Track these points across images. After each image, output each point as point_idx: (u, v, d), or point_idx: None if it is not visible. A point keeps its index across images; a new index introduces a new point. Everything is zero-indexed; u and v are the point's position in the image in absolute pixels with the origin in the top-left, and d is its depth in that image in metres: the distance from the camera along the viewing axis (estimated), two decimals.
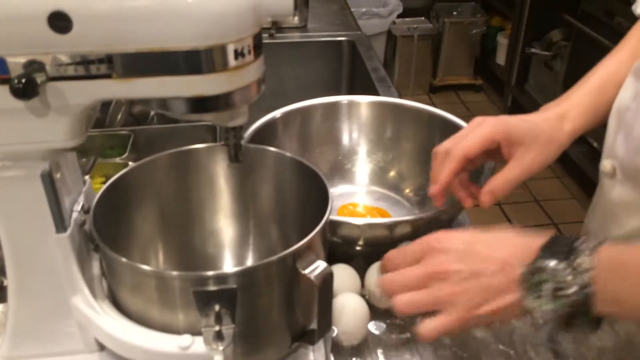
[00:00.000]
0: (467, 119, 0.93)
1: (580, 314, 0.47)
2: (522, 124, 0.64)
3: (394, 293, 0.54)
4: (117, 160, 1.06)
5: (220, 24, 0.46)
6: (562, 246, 0.48)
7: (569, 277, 0.46)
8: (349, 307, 0.71)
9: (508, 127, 0.63)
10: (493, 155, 0.66)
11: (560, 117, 0.66)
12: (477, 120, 0.65)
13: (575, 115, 0.66)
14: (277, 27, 1.64)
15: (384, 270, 0.58)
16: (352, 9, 1.87)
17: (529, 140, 0.63)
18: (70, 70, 0.47)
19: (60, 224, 0.56)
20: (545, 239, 0.50)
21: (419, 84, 3.41)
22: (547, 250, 0.49)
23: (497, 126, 0.63)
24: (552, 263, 0.47)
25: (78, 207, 0.59)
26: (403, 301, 0.54)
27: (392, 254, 0.58)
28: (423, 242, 0.56)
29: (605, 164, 0.67)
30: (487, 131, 0.63)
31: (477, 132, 0.63)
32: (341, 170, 0.99)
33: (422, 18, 3.23)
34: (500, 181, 0.63)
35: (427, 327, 0.53)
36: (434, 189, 0.65)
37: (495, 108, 3.35)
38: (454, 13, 3.33)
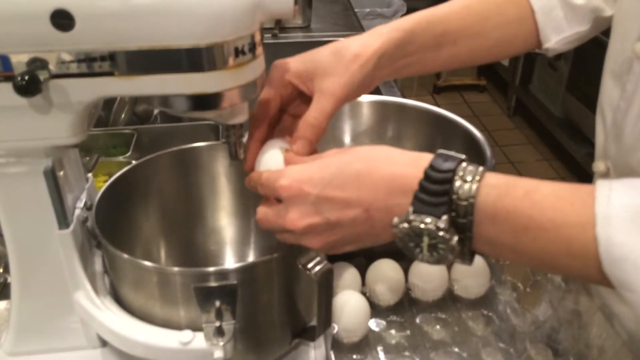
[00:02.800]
0: (470, 119, 0.93)
1: (458, 256, 0.46)
2: (310, 59, 0.58)
3: (264, 227, 0.53)
4: (120, 158, 1.06)
5: (221, 22, 0.47)
6: (437, 186, 0.44)
7: (447, 235, 0.44)
8: (349, 305, 0.72)
9: (288, 64, 0.58)
10: (300, 104, 0.60)
11: (361, 44, 0.59)
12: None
13: (385, 32, 0.60)
14: (280, 27, 1.65)
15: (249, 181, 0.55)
16: (355, 9, 1.88)
17: (321, 69, 0.57)
18: (73, 68, 0.47)
19: (63, 220, 0.56)
20: (419, 177, 0.45)
21: (423, 84, 3.42)
22: (423, 197, 0.44)
23: (281, 70, 0.58)
24: (428, 220, 0.44)
25: (81, 204, 0.60)
26: (277, 236, 0.53)
27: (251, 180, 0.54)
28: (273, 189, 0.50)
29: (599, 165, 0.67)
30: (272, 79, 0.58)
31: (264, 90, 0.57)
32: None
33: None
34: (307, 122, 0.56)
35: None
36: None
37: (499, 108, 3.35)
38: None
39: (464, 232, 0.45)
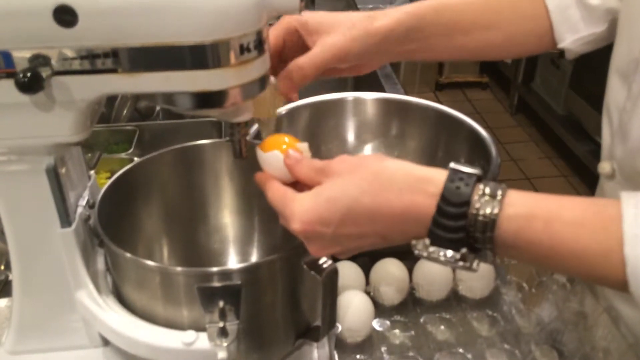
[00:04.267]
0: (473, 116, 0.93)
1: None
2: (321, 15, 0.60)
3: None
4: (123, 155, 1.06)
5: (226, 19, 0.46)
6: (452, 222, 0.43)
7: (467, 264, 0.44)
8: (353, 304, 0.71)
9: (304, 17, 0.59)
10: (300, 53, 0.60)
11: (368, 16, 0.61)
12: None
13: (393, 14, 0.61)
14: None
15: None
16: (359, 7, 1.87)
17: (329, 26, 0.58)
18: (76, 65, 0.47)
19: (65, 218, 0.56)
20: (431, 211, 0.44)
21: (425, 81, 3.41)
22: (439, 233, 0.44)
23: (292, 17, 0.60)
24: (448, 254, 0.44)
25: (83, 202, 0.59)
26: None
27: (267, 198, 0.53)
28: (288, 227, 0.50)
29: (604, 166, 0.67)
30: (283, 20, 0.60)
31: (270, 30, 0.59)
32: None
33: None
34: (296, 64, 0.57)
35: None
36: None
37: (501, 106, 3.34)
38: None
39: (484, 252, 0.45)
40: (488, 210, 0.42)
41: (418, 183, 0.45)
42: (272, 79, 0.56)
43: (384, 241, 0.48)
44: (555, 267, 0.46)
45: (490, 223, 0.42)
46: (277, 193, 0.52)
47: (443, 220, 0.43)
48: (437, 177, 0.45)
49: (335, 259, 0.59)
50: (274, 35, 0.59)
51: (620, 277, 0.41)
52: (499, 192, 0.43)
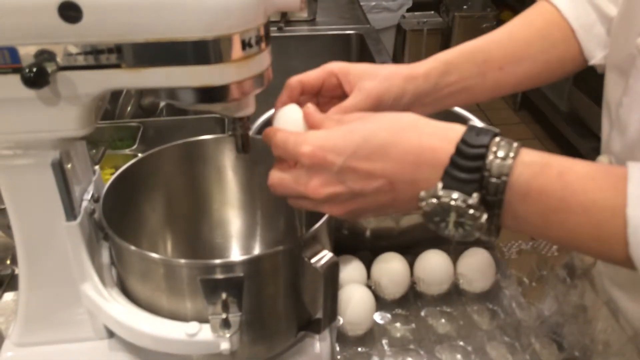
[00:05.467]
0: (476, 114, 0.93)
1: (484, 232, 0.45)
2: (363, 67, 0.61)
3: (278, 192, 0.52)
4: (127, 151, 1.07)
5: (228, 15, 0.47)
6: (470, 162, 0.43)
7: (477, 213, 0.43)
8: (355, 298, 0.72)
9: (348, 64, 0.61)
10: (335, 94, 0.62)
11: (407, 66, 0.63)
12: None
13: (427, 63, 0.63)
14: (286, 20, 1.64)
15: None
16: (361, 3, 1.87)
17: (368, 74, 0.60)
18: (80, 60, 0.48)
19: (70, 212, 0.57)
20: (450, 151, 0.44)
21: None
22: (454, 173, 0.43)
23: (337, 63, 0.61)
24: (457, 197, 0.43)
25: (88, 196, 0.60)
26: (290, 201, 0.53)
27: (266, 137, 0.53)
28: (294, 154, 0.49)
29: (603, 160, 0.67)
30: (326, 66, 0.61)
31: (316, 70, 0.61)
32: None
33: (432, 12, 3.21)
34: (340, 108, 0.58)
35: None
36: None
37: (505, 103, 3.34)
38: (464, 7, 3.31)
39: (493, 209, 0.44)
40: (503, 154, 0.43)
41: (439, 129, 0.46)
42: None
43: (390, 188, 0.47)
44: (559, 227, 0.44)
45: (507, 166, 0.43)
46: (287, 134, 0.51)
47: (460, 160, 0.43)
48: (457, 127, 0.46)
49: (337, 251, 0.60)
50: (315, 75, 0.61)
51: (622, 238, 0.41)
52: (516, 144, 0.44)
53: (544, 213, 0.44)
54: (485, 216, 0.44)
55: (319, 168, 0.48)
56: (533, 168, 0.43)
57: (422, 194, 0.45)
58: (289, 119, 0.54)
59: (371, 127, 0.47)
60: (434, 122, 0.47)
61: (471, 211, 0.43)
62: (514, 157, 0.43)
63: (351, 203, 0.49)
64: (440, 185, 0.44)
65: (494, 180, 0.43)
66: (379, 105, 0.59)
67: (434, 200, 0.44)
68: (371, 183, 0.47)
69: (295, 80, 0.60)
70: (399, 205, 0.48)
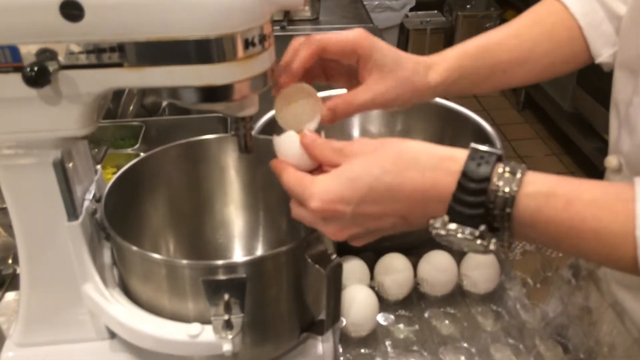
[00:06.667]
0: (480, 113, 0.92)
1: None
2: (389, 51, 0.60)
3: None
4: (129, 150, 1.06)
5: (231, 13, 0.46)
6: (472, 197, 0.43)
7: (485, 243, 0.44)
8: (358, 299, 0.72)
9: (374, 45, 0.59)
10: (348, 73, 0.62)
11: (428, 66, 0.63)
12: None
13: (443, 70, 0.63)
14: (288, 19, 1.64)
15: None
16: (364, 2, 1.87)
17: (388, 69, 0.59)
18: (82, 59, 0.47)
19: (72, 212, 0.56)
20: (452, 187, 0.44)
21: None
22: (459, 209, 0.44)
23: (365, 39, 0.59)
24: (466, 231, 0.44)
25: (89, 196, 0.60)
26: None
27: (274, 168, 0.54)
28: (305, 208, 0.50)
29: (611, 160, 0.66)
30: (354, 35, 0.59)
31: (344, 33, 0.59)
32: None
33: (435, 11, 3.21)
34: (345, 101, 0.59)
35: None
36: (284, 77, 0.58)
37: (508, 102, 3.33)
38: (468, 6, 3.31)
39: (502, 233, 0.45)
40: (508, 187, 0.43)
41: (441, 162, 0.46)
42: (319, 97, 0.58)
43: (403, 222, 0.48)
44: (570, 248, 0.45)
45: (510, 199, 0.43)
46: (294, 176, 0.51)
47: (463, 196, 0.44)
48: (458, 155, 0.45)
49: (340, 252, 0.59)
50: (337, 47, 0.59)
51: (633, 256, 0.42)
52: (519, 171, 0.44)
53: (554, 238, 0.44)
54: (493, 242, 0.44)
55: (331, 218, 0.49)
56: (538, 200, 0.43)
57: (432, 222, 0.46)
58: (290, 149, 0.54)
59: (374, 172, 0.47)
60: (435, 152, 0.47)
61: (479, 242, 0.44)
62: (517, 190, 0.43)
63: (372, 235, 0.51)
64: (447, 218, 0.45)
65: (498, 212, 0.43)
66: (386, 106, 0.61)
67: (443, 232, 0.45)
68: (386, 221, 0.48)
69: (318, 39, 0.58)
70: (415, 227, 0.49)
